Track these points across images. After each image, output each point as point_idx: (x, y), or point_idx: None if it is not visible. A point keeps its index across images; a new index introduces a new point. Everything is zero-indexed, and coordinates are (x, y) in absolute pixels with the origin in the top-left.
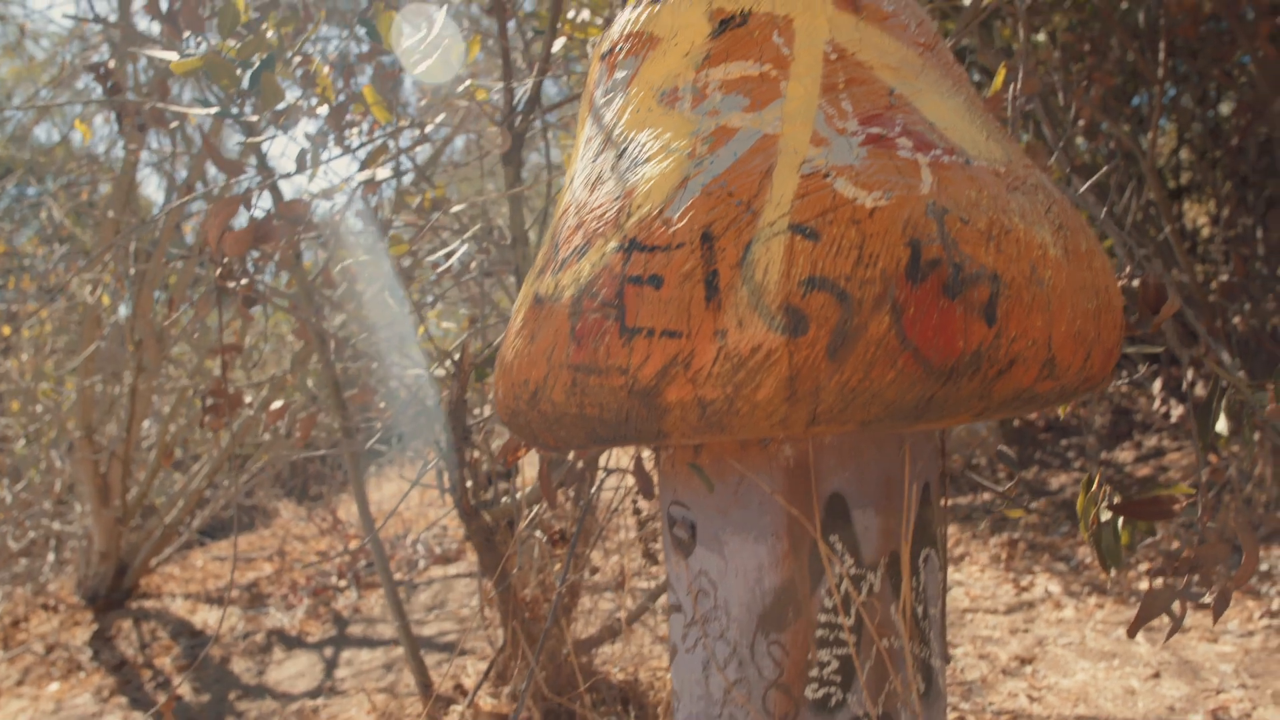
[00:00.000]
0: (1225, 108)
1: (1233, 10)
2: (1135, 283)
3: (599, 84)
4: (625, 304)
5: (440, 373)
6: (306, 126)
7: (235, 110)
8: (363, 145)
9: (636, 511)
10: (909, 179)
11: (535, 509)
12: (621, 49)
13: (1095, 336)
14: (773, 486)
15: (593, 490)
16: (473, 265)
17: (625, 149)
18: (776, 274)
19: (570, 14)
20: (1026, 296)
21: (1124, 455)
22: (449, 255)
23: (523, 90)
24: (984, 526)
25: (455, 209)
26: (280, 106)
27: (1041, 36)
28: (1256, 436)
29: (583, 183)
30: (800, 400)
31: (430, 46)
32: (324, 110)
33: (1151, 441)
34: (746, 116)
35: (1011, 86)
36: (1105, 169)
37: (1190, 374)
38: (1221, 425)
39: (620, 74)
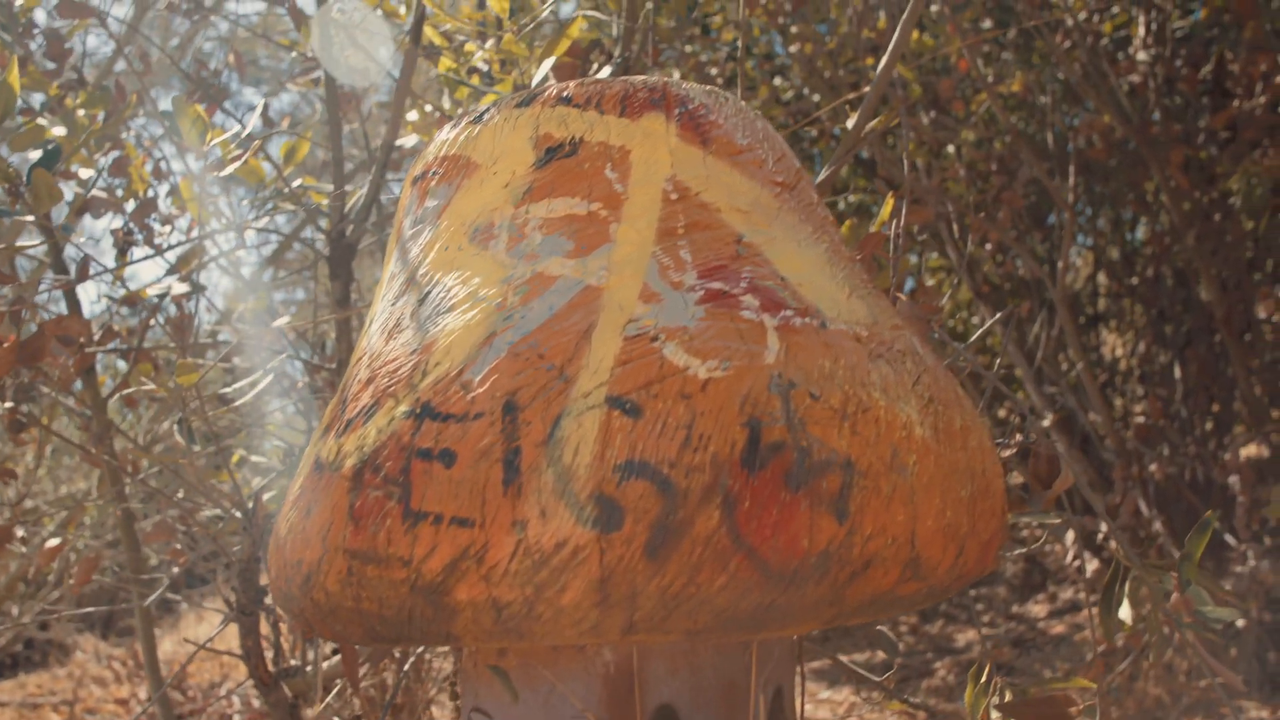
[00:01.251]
0: (1142, 233)
1: (1143, 136)
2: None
3: (409, 212)
4: (411, 482)
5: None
6: (116, 222)
7: (16, 210)
8: (175, 247)
9: (454, 696)
10: (752, 345)
11: (339, 684)
12: (435, 174)
13: (969, 529)
14: (588, 700)
15: (404, 668)
16: (301, 385)
17: (429, 293)
18: (588, 456)
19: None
20: (886, 486)
21: (1037, 609)
22: (254, 384)
23: (358, 194)
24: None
25: (279, 323)
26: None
27: (950, 148)
28: (1165, 630)
29: (380, 329)
30: (614, 606)
31: (244, 143)
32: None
33: (1067, 594)
34: (568, 263)
35: (895, 220)
36: (1010, 306)
37: (1104, 527)
38: (1125, 612)
39: (432, 203)
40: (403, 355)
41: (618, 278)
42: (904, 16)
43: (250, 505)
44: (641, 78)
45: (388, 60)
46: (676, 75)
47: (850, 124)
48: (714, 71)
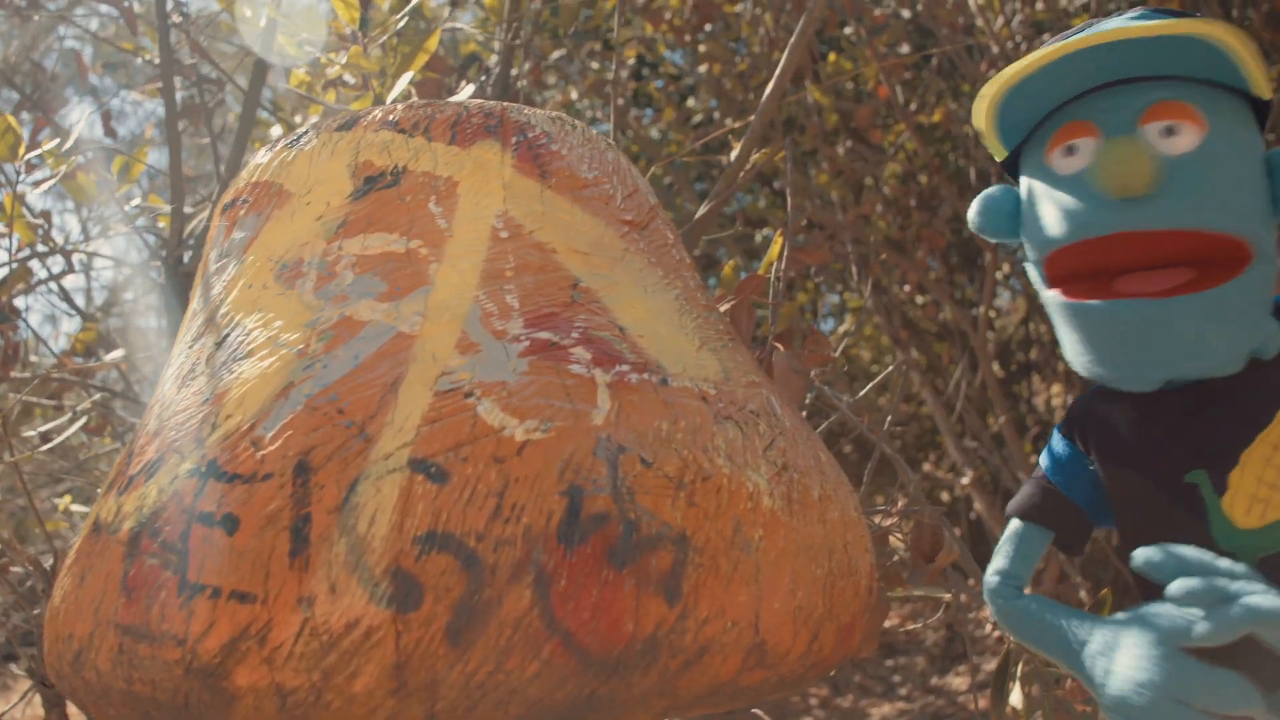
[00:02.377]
0: None
1: None
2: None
3: (215, 244)
4: (190, 550)
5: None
6: None
7: None
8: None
9: None
10: (579, 404)
11: None
12: (244, 201)
13: (826, 611)
14: None
15: None
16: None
17: (227, 336)
18: (385, 526)
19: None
20: (725, 564)
21: (958, 682)
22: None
23: (200, 216)
24: None
25: (112, 356)
26: None
27: (869, 181)
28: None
29: (174, 375)
30: (412, 695)
31: (67, 155)
32: None
33: (990, 665)
34: (380, 307)
35: (778, 262)
36: (901, 360)
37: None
38: (1016, 698)
39: (239, 234)
40: (193, 405)
41: (433, 325)
42: (793, 39)
43: (52, 563)
44: (479, 101)
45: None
46: (575, 94)
47: (734, 154)
48: (609, 89)
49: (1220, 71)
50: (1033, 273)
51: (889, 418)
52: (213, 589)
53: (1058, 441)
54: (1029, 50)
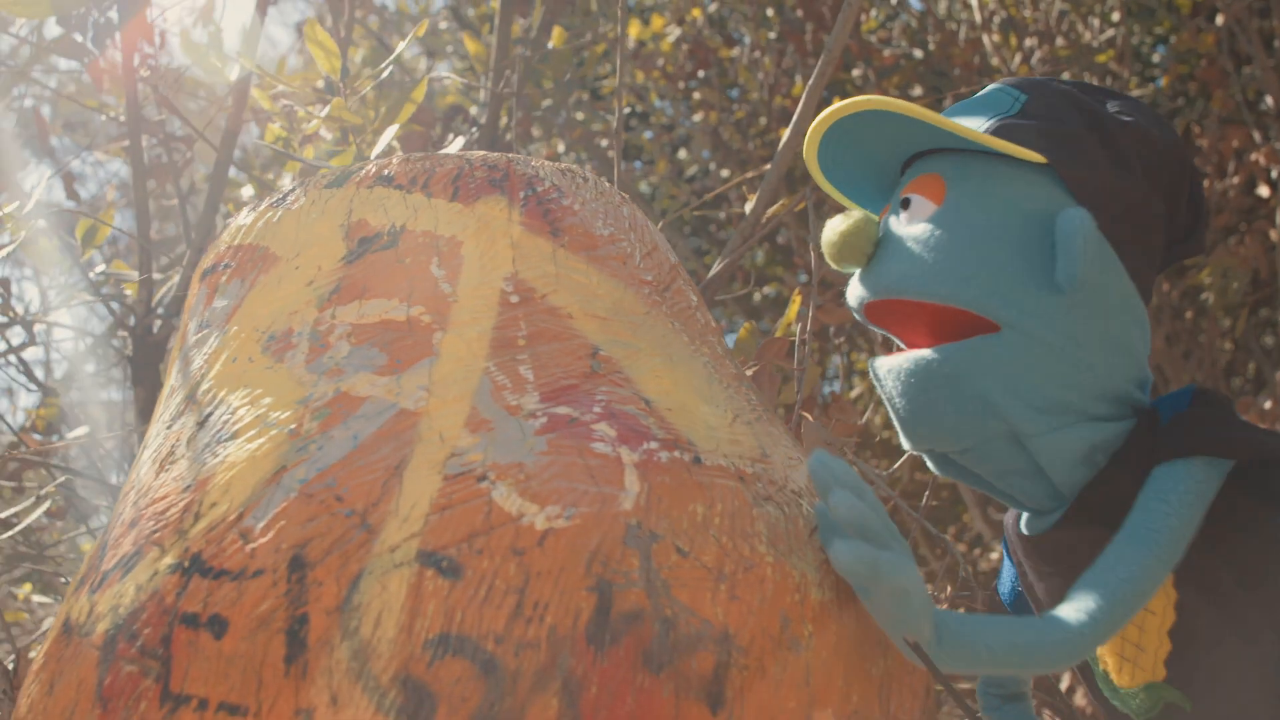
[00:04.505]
0: None
1: None
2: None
3: (195, 313)
4: (173, 656)
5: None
6: None
7: None
8: None
9: None
10: (605, 487)
11: None
12: (227, 266)
13: (883, 714)
14: None
15: None
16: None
17: (210, 415)
18: (393, 628)
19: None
20: (774, 666)
21: None
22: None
23: (171, 282)
24: None
25: (76, 434)
26: None
27: None
28: None
29: (151, 458)
30: None
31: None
32: None
33: None
34: (379, 381)
35: (800, 323)
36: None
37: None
38: None
39: (221, 302)
40: (173, 492)
41: (439, 400)
42: (811, 81)
43: (13, 664)
44: (482, 153)
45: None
46: (561, 147)
47: (749, 207)
48: (604, 143)
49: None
50: None
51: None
52: (199, 700)
53: (1003, 553)
54: None
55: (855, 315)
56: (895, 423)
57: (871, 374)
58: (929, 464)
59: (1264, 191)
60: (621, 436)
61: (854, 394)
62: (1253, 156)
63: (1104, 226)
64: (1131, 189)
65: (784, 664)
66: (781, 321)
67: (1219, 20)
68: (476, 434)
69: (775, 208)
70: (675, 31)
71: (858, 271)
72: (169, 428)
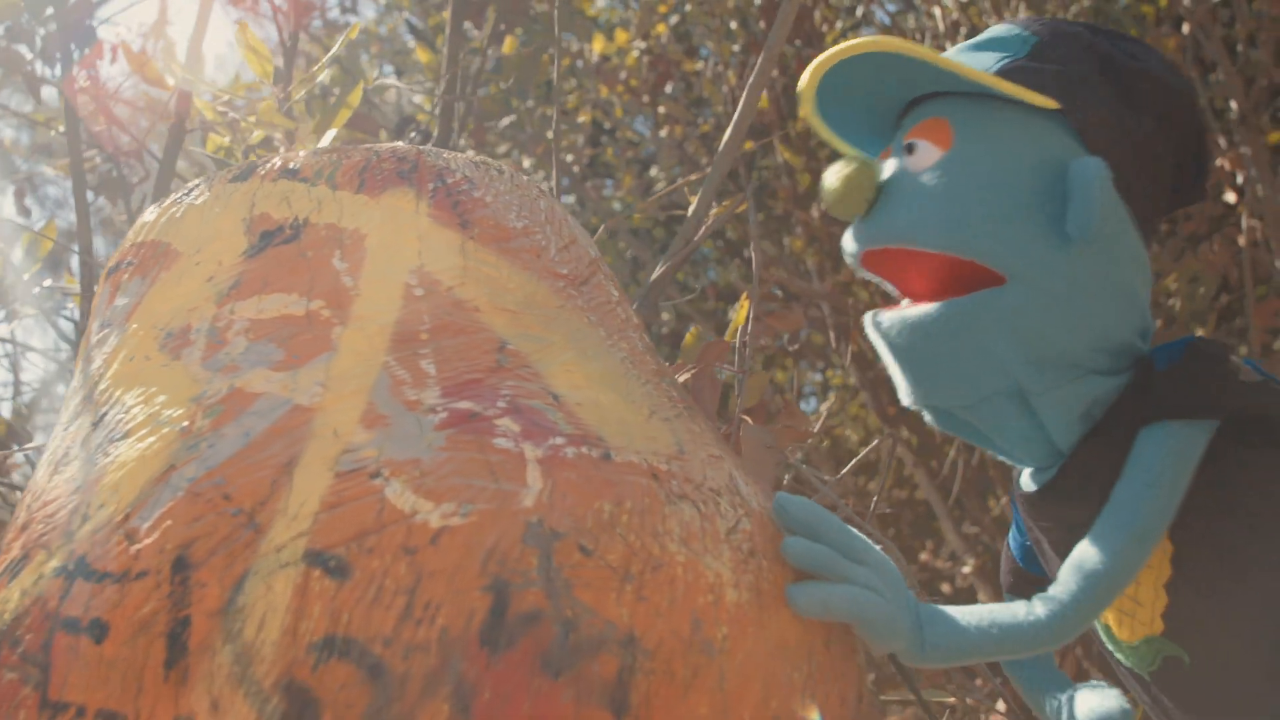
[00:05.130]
0: None
1: None
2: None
3: (99, 312)
4: (53, 662)
5: None
6: None
7: None
8: None
9: None
10: (505, 484)
11: None
12: (129, 264)
13: None
14: None
15: None
16: None
17: (105, 415)
18: (277, 630)
19: None
20: (683, 670)
21: None
22: None
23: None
24: None
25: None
26: None
27: None
28: None
29: (48, 460)
30: None
31: None
32: None
33: None
34: (274, 377)
35: (743, 327)
36: (887, 434)
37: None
38: None
39: (122, 300)
40: (64, 494)
41: (335, 396)
42: (751, 79)
43: None
44: (392, 145)
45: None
46: (527, 163)
47: (691, 209)
48: (570, 158)
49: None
50: None
51: (875, 500)
52: (77, 708)
53: (1012, 510)
54: None
55: (850, 262)
56: (896, 378)
57: (870, 329)
58: (929, 418)
59: (1231, 198)
60: (525, 432)
61: (824, 407)
62: (1218, 163)
63: (1114, 173)
64: (1142, 134)
65: (695, 668)
66: (730, 326)
67: (1184, 29)
68: (372, 430)
69: (718, 209)
70: (641, 45)
71: (856, 219)
72: (65, 429)
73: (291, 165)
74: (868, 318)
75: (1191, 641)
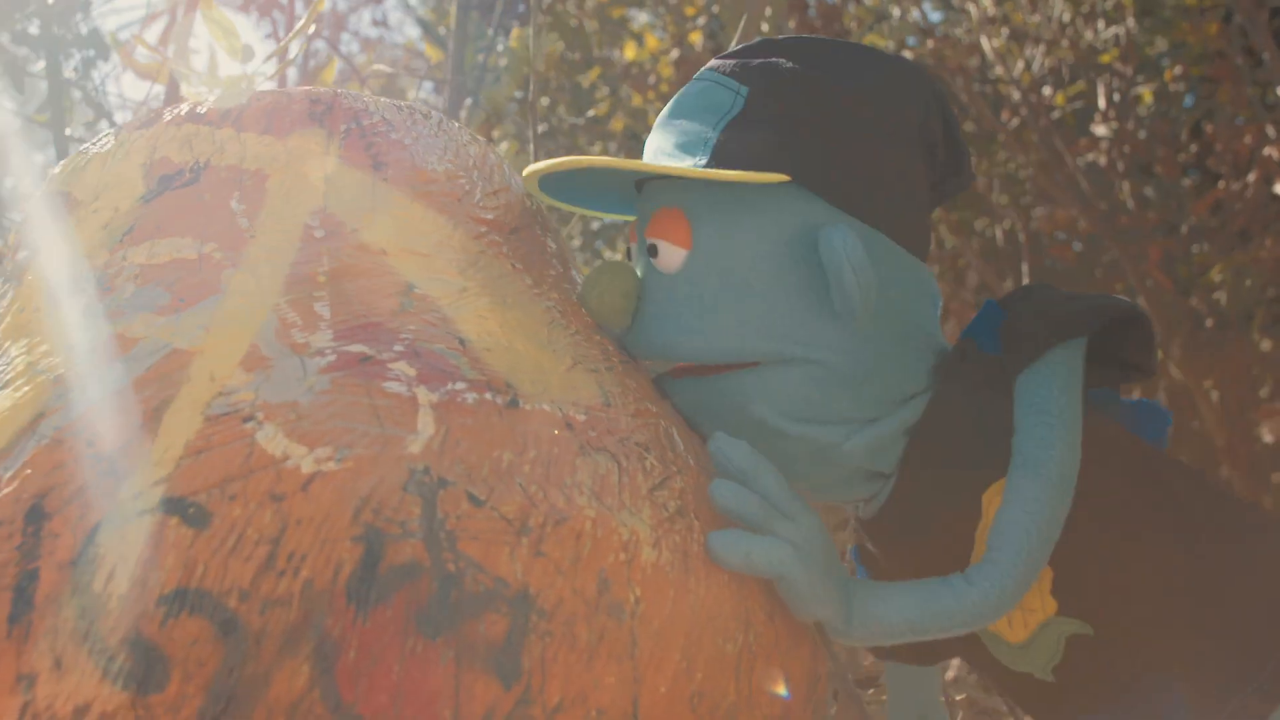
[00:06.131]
0: None
1: (1109, 228)
2: None
3: (1, 270)
4: None
5: None
6: None
7: None
8: None
9: None
10: (391, 429)
11: None
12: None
13: (742, 699)
14: None
15: None
16: None
17: None
18: (125, 583)
19: None
20: (586, 633)
21: None
22: None
23: None
24: None
25: None
26: None
27: None
28: None
29: None
30: None
31: None
32: None
33: None
34: (157, 322)
35: None
36: None
37: None
38: None
39: (22, 254)
40: None
41: (216, 339)
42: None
43: None
44: (309, 88)
45: None
46: None
47: None
48: None
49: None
50: None
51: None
52: None
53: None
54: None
55: None
56: None
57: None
58: None
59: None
60: (422, 376)
61: None
62: (1266, 152)
63: (867, 216)
64: (884, 158)
65: (601, 632)
66: None
67: (1231, 19)
68: (251, 373)
69: None
70: (674, 54)
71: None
72: None
73: (199, 109)
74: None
75: (1091, 609)
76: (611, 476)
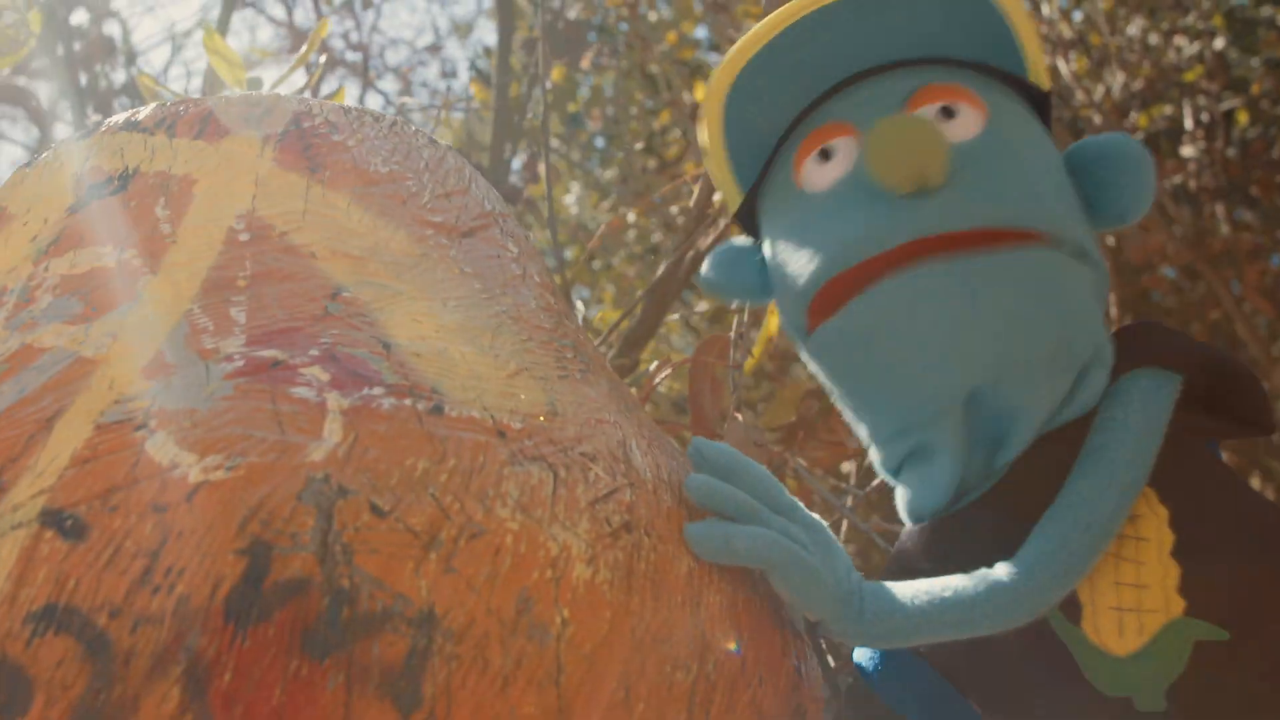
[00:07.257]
0: None
1: (1204, 254)
2: None
3: None
4: None
5: None
6: None
7: None
8: None
9: None
10: (293, 436)
11: None
12: None
13: None
14: None
15: None
16: None
17: None
18: None
19: None
20: (500, 658)
21: None
22: None
23: None
24: None
25: None
26: None
27: None
28: None
29: None
30: None
31: None
32: None
33: None
34: (68, 330)
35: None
36: None
37: None
38: None
39: None
40: None
41: (122, 346)
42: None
43: None
44: (250, 94)
45: None
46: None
47: (694, 199)
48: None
49: (992, 53)
50: (795, 338)
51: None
52: None
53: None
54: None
55: (863, 251)
56: (922, 350)
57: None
58: (878, 456)
59: None
60: (335, 381)
61: None
62: None
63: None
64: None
65: (518, 657)
66: (760, 336)
67: None
68: (151, 380)
69: (721, 197)
70: None
71: (905, 197)
72: None
73: (136, 117)
74: (842, 316)
75: (1226, 612)
76: (544, 488)
